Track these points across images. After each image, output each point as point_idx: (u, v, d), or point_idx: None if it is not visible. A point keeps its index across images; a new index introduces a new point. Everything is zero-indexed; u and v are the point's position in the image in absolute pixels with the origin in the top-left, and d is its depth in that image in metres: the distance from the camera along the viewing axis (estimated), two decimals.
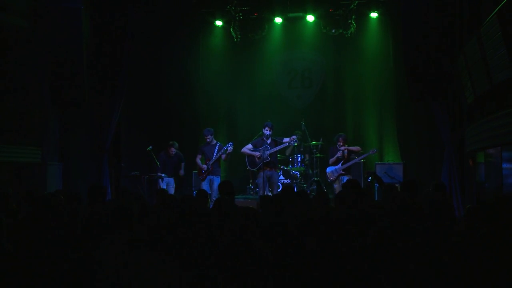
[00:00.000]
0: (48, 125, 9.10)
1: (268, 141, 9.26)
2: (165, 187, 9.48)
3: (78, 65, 8.98)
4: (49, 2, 8.76)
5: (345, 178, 9.08)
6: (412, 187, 5.43)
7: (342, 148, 9.36)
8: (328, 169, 9.63)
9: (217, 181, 9.32)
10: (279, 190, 9.23)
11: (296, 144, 9.81)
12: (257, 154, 9.16)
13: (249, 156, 9.35)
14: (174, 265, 3.28)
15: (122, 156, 10.33)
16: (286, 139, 9.25)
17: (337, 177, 9.39)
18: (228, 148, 9.23)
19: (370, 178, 9.02)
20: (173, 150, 9.73)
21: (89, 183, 9.61)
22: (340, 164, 9.42)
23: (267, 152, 9.09)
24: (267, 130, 9.22)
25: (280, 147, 9.30)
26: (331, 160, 9.55)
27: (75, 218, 4.31)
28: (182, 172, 9.89)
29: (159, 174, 9.66)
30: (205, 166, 9.35)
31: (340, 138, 9.44)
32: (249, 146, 9.42)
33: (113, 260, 3.36)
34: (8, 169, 8.14)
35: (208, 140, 9.49)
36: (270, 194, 9.01)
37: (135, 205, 4.39)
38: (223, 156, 9.33)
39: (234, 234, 3.68)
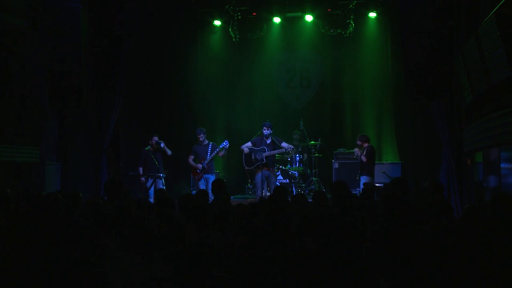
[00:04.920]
0: (47, 124, 9.09)
1: (268, 141, 9.28)
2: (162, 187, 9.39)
3: (76, 64, 8.97)
4: (48, 2, 8.76)
5: (362, 178, 9.01)
6: (402, 186, 5.41)
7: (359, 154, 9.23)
8: None
9: (212, 179, 9.34)
10: None
11: (292, 151, 9.82)
12: (254, 155, 9.21)
13: (246, 154, 9.37)
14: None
15: (120, 156, 10.31)
16: (284, 145, 9.26)
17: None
18: (226, 145, 9.25)
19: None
20: (155, 139, 9.38)
21: (87, 182, 9.65)
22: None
23: (264, 154, 9.13)
24: (265, 130, 9.24)
25: (276, 151, 9.34)
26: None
27: (73, 218, 4.31)
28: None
29: (159, 174, 9.47)
30: (200, 166, 9.34)
31: (358, 138, 9.36)
32: (249, 144, 9.46)
33: (111, 261, 3.36)
34: (7, 168, 8.12)
35: (200, 139, 9.47)
36: (268, 193, 9.02)
37: (134, 205, 4.39)
38: (220, 153, 9.35)
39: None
